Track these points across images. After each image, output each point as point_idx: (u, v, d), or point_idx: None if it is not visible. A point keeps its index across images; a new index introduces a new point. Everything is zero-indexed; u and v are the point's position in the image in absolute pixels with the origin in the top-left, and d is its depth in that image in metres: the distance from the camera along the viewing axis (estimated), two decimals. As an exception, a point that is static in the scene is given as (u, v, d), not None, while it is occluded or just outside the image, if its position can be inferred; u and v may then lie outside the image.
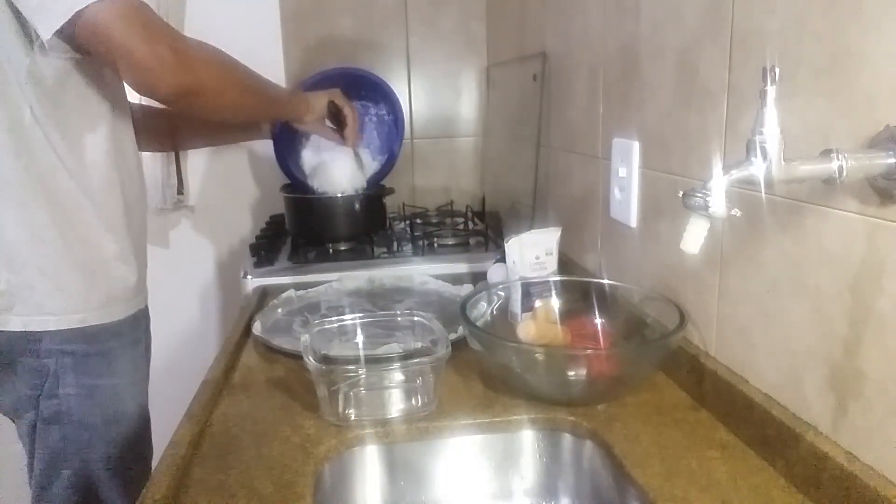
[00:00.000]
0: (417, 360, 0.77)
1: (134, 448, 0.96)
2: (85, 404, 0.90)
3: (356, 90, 1.45)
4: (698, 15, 0.74)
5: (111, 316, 0.92)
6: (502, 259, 1.04)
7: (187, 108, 0.95)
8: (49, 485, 0.91)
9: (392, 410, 0.77)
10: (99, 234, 0.90)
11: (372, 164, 1.45)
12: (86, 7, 0.75)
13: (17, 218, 0.83)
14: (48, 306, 0.86)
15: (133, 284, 0.95)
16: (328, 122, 1.28)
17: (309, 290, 1.20)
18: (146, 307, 1.02)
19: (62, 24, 0.75)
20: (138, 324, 0.98)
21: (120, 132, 0.93)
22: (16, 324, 0.86)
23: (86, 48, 0.82)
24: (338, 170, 1.39)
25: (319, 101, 1.23)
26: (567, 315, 0.89)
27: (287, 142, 1.43)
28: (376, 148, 1.48)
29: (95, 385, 0.90)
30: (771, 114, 0.49)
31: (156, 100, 0.86)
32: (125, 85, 0.94)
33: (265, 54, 1.68)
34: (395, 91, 1.49)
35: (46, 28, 0.76)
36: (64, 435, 0.89)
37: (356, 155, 1.38)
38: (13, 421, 0.93)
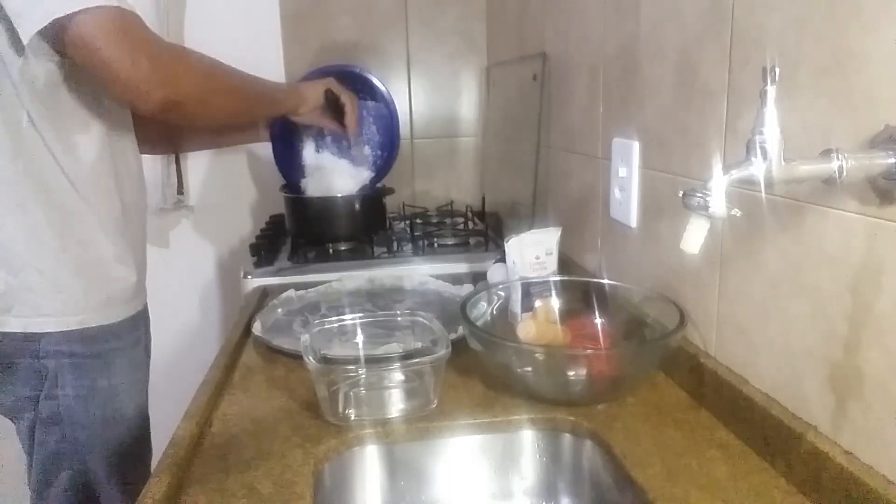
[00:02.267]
0: (417, 360, 0.77)
1: (133, 449, 0.96)
2: (84, 405, 0.90)
3: (354, 86, 1.45)
4: (698, 15, 0.74)
5: (110, 317, 0.92)
6: (502, 259, 1.04)
7: (172, 120, 0.93)
8: (48, 485, 0.91)
9: (392, 410, 0.77)
10: (97, 235, 0.89)
11: (368, 170, 1.45)
12: (66, 16, 0.74)
13: (15, 219, 0.83)
14: (47, 308, 0.86)
15: (132, 285, 0.95)
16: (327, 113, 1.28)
17: (309, 290, 1.20)
18: (146, 307, 1.02)
19: (38, 29, 0.75)
20: (137, 325, 0.98)
21: (117, 132, 0.93)
22: (15, 325, 0.85)
23: (67, 52, 0.81)
24: (333, 174, 1.39)
25: (314, 91, 1.21)
26: (567, 315, 0.89)
27: (286, 143, 1.43)
28: (376, 143, 1.48)
29: (94, 386, 0.90)
30: (771, 114, 0.49)
31: (138, 113, 0.85)
32: None
33: (265, 54, 1.68)
34: (395, 91, 1.49)
35: (25, 32, 0.75)
36: (63, 436, 0.89)
37: (356, 146, 1.37)
38: (13, 421, 0.93)
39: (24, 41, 0.76)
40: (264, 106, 1.14)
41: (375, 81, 1.44)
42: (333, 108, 1.26)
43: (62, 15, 0.74)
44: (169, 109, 0.84)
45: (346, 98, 1.25)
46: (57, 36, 0.77)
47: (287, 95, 1.19)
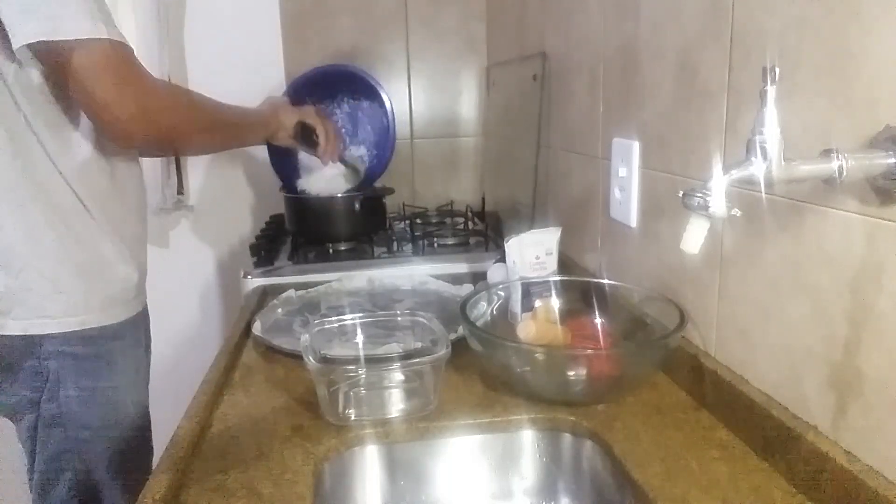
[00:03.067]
0: (417, 360, 0.77)
1: (134, 449, 0.96)
2: (85, 406, 0.89)
3: (349, 86, 1.45)
4: (698, 15, 0.74)
5: (111, 318, 0.92)
6: (502, 259, 1.04)
7: (154, 154, 0.96)
8: (50, 487, 0.91)
9: (392, 410, 0.77)
10: (97, 235, 0.89)
11: (363, 169, 1.45)
12: (56, 42, 0.75)
13: (14, 220, 0.83)
14: (47, 309, 0.86)
15: (133, 286, 0.95)
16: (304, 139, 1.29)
17: (309, 290, 1.20)
18: (146, 308, 1.02)
19: (25, 43, 0.75)
20: (138, 325, 0.98)
21: None
22: (15, 328, 0.85)
23: (54, 73, 0.81)
24: (329, 174, 1.40)
25: (289, 118, 1.24)
26: (567, 315, 0.89)
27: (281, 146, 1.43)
28: (371, 143, 1.48)
29: (95, 387, 0.90)
30: (771, 114, 0.49)
31: (120, 146, 0.87)
32: None
33: (265, 54, 1.68)
34: (395, 91, 1.49)
35: (14, 41, 0.75)
36: (65, 436, 0.89)
37: (344, 162, 1.39)
38: (13, 422, 0.93)
39: (14, 49, 0.76)
40: (243, 137, 1.18)
41: (370, 80, 1.44)
42: (311, 134, 1.28)
43: (50, 40, 0.75)
44: (150, 145, 0.88)
45: (321, 130, 1.27)
46: (46, 53, 0.78)
47: (265, 123, 1.21)
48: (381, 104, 1.46)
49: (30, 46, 0.76)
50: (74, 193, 0.86)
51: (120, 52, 0.80)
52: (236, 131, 1.13)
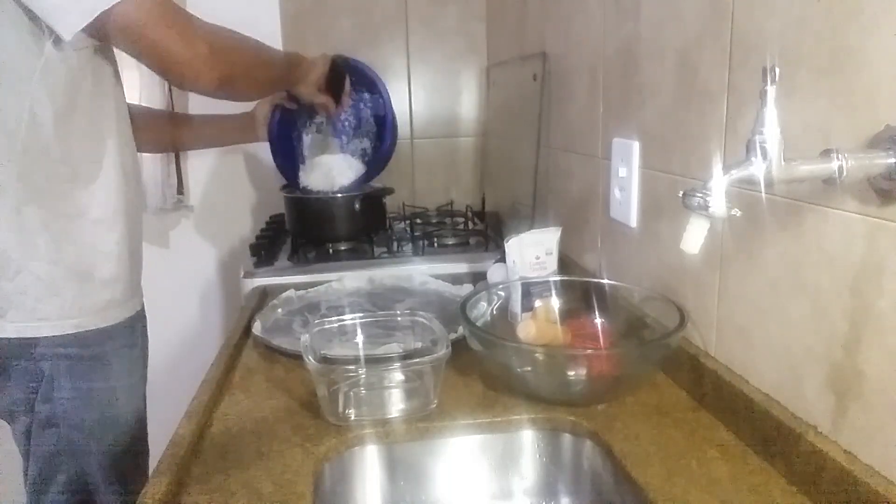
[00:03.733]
0: (417, 360, 0.77)
1: (130, 451, 0.96)
2: (80, 408, 0.89)
3: (351, 78, 1.45)
4: (698, 15, 0.74)
5: (106, 320, 0.91)
6: (502, 259, 1.04)
7: (224, 96, 0.96)
8: (44, 489, 0.90)
9: (392, 410, 0.77)
10: (93, 238, 0.89)
11: (359, 167, 1.45)
12: (110, 8, 0.75)
13: (9, 223, 0.82)
14: (43, 312, 0.85)
15: (128, 288, 0.95)
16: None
17: (309, 290, 1.20)
18: (142, 309, 1.01)
19: (83, 25, 0.75)
20: (134, 326, 0.97)
21: (120, 133, 0.93)
22: (10, 331, 0.85)
23: (112, 41, 0.82)
24: (332, 167, 1.40)
25: (322, 59, 1.24)
26: (567, 315, 0.89)
27: (283, 143, 1.43)
28: (374, 135, 1.48)
29: (90, 388, 0.89)
30: (771, 114, 0.49)
31: (195, 92, 0.87)
32: (122, 86, 0.94)
33: (265, 54, 1.68)
34: (395, 91, 1.49)
35: (66, 28, 0.76)
36: (59, 438, 0.89)
37: (353, 140, 1.43)
38: (8, 423, 0.93)
39: (66, 38, 0.76)
40: (288, 76, 1.18)
41: (368, 71, 1.44)
42: (331, 82, 1.28)
43: (107, 7, 0.75)
44: (224, 85, 0.87)
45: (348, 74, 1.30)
46: (100, 27, 0.78)
47: (300, 62, 1.21)
48: (381, 94, 1.45)
49: (86, 27, 0.76)
50: (75, 194, 0.86)
51: (171, 3, 0.81)
52: (282, 69, 1.14)
